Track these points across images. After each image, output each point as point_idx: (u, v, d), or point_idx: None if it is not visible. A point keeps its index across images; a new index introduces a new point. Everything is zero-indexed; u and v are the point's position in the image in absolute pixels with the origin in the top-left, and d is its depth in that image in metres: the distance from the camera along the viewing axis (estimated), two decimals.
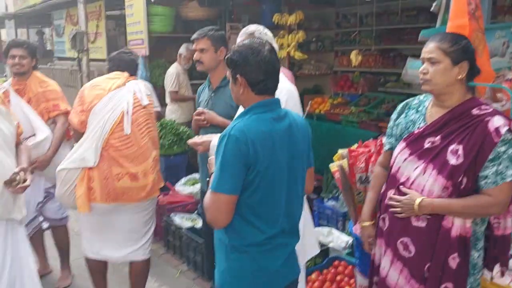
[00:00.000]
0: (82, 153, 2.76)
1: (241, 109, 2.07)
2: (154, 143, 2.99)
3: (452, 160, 1.83)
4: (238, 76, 1.79)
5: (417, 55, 2.03)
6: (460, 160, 1.82)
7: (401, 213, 1.92)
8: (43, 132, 3.22)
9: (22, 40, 3.49)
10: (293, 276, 1.95)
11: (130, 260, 3.03)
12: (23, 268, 2.41)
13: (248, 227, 1.78)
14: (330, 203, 4.03)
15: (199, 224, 3.88)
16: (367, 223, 2.17)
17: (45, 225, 3.61)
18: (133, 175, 2.79)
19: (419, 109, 2.03)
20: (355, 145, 2.56)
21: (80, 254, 3.98)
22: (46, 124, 3.28)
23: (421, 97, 2.08)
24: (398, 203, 1.93)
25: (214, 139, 2.35)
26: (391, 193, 2.01)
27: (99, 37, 6.90)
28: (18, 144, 2.55)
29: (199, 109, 2.88)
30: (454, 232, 1.85)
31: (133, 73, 3.04)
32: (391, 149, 2.09)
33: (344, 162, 2.47)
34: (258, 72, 1.78)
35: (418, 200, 1.86)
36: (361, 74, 6.54)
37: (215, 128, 2.70)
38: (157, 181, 2.99)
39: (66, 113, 3.30)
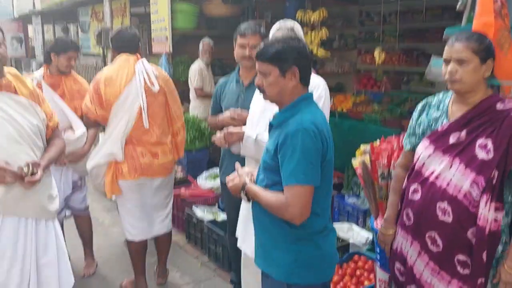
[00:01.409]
0: (110, 149, 3.08)
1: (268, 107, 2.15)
2: (178, 117, 3.28)
3: (481, 155, 1.85)
4: (293, 67, 1.82)
5: (441, 54, 2.03)
6: (491, 154, 1.83)
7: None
8: (80, 128, 3.36)
9: (74, 43, 3.56)
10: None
11: (158, 234, 3.35)
12: (42, 262, 2.40)
13: (312, 216, 1.83)
14: (351, 200, 4.04)
15: (220, 217, 3.94)
16: (391, 231, 2.17)
17: (67, 213, 3.72)
18: (154, 153, 3.13)
19: (440, 107, 2.05)
20: (377, 141, 2.57)
21: (103, 243, 4.11)
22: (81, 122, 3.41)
23: (440, 95, 2.10)
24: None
25: (246, 130, 2.39)
26: (413, 187, 2.03)
27: None
28: (50, 139, 2.49)
29: (231, 111, 2.82)
30: (487, 228, 1.85)
31: (135, 48, 3.15)
32: (413, 149, 2.11)
33: (366, 158, 2.49)
34: (309, 64, 1.87)
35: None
36: (384, 73, 6.52)
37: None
38: (175, 157, 3.32)
39: None
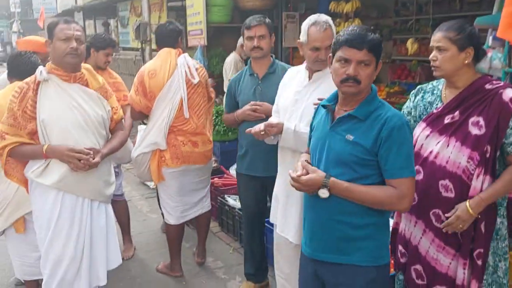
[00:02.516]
0: (153, 139, 3.26)
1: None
2: (211, 106, 3.50)
3: (475, 131, 1.98)
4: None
5: None
6: (483, 130, 1.96)
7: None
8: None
9: (113, 39, 3.74)
10: None
11: (198, 214, 3.57)
12: (95, 239, 2.62)
13: None
14: None
15: None
16: None
17: None
18: (194, 142, 3.30)
19: (434, 92, 2.20)
20: None
21: (142, 229, 4.30)
22: None
23: (434, 82, 2.25)
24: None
25: (285, 122, 2.41)
26: (416, 169, 2.08)
27: None
28: (114, 130, 2.75)
29: (252, 102, 2.88)
30: None
31: (175, 43, 3.31)
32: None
33: None
34: None
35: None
36: (419, 63, 6.43)
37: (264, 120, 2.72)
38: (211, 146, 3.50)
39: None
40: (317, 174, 1.83)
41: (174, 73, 3.21)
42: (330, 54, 1.90)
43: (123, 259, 3.74)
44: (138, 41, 7.35)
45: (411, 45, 4.77)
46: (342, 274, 1.88)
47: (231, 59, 5.75)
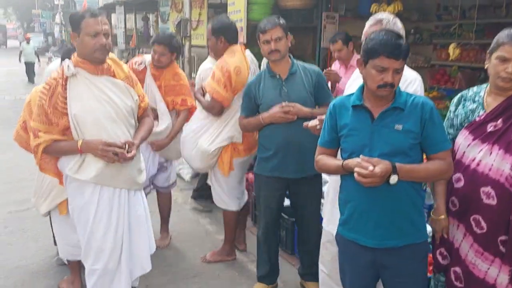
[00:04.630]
0: (231, 133, 3.40)
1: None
2: None
3: None
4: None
5: None
6: None
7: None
8: (165, 122, 3.67)
9: (164, 37, 3.69)
10: None
11: (246, 200, 3.84)
12: (133, 227, 2.69)
13: None
14: None
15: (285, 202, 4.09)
16: (442, 217, 2.25)
17: (151, 190, 4.05)
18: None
19: (475, 99, 2.17)
20: None
21: (176, 219, 4.42)
22: (170, 113, 3.71)
23: (475, 88, 2.22)
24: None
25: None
26: (456, 176, 2.15)
27: (200, 25, 7.30)
28: (141, 117, 2.76)
29: (283, 104, 2.87)
30: None
31: (236, 37, 3.44)
32: (451, 140, 2.21)
33: None
34: None
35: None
36: (459, 69, 6.33)
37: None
38: None
39: (191, 108, 3.75)
40: (384, 163, 1.89)
41: (249, 71, 3.36)
42: (360, 57, 2.02)
43: (158, 247, 3.90)
44: (178, 36, 7.48)
45: (453, 50, 4.71)
46: (403, 255, 2.04)
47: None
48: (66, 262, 3.37)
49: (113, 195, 2.60)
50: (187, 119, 3.73)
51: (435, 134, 1.98)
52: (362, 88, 2.08)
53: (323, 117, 2.52)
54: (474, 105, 2.15)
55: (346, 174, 2.04)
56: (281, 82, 2.96)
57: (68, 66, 2.47)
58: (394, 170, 1.89)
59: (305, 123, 2.61)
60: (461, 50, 5.36)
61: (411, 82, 2.39)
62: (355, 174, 1.89)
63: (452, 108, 2.29)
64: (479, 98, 2.16)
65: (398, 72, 1.94)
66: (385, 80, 1.91)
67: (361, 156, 1.94)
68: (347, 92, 2.58)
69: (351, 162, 1.96)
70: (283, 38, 2.91)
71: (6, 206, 4.81)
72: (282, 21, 2.95)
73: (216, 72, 3.31)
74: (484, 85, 2.17)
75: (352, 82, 2.69)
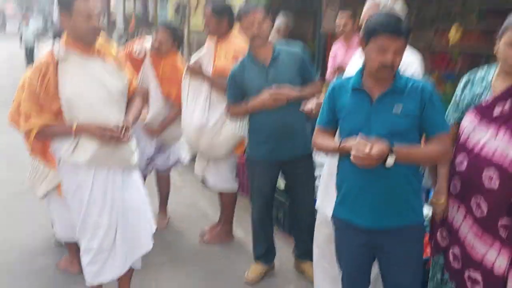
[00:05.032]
0: None
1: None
2: None
3: None
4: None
5: None
6: None
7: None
8: (154, 109, 3.65)
9: (170, 23, 3.70)
10: None
11: None
12: (127, 208, 2.66)
13: None
14: None
15: (281, 185, 4.10)
16: (443, 199, 2.25)
17: (151, 170, 4.05)
18: None
19: (483, 82, 2.12)
20: None
21: (175, 201, 4.44)
22: (162, 102, 3.68)
23: (483, 71, 2.17)
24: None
25: None
26: (459, 158, 2.13)
27: (200, 9, 7.26)
28: (131, 98, 2.71)
29: (272, 90, 2.84)
30: None
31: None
32: (457, 123, 2.20)
33: None
34: None
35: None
36: (460, 54, 6.28)
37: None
38: None
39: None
40: (381, 145, 1.87)
41: None
42: (362, 35, 1.99)
43: (156, 228, 3.93)
44: (176, 21, 7.43)
45: (453, 34, 4.67)
46: (398, 236, 2.05)
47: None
48: (63, 244, 3.39)
49: (107, 177, 2.57)
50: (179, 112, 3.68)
51: (435, 116, 1.99)
52: (361, 71, 2.07)
53: (320, 100, 2.54)
54: (481, 88, 2.12)
55: (342, 155, 2.04)
56: (265, 67, 2.93)
57: (58, 49, 2.42)
58: (391, 152, 1.88)
59: (301, 107, 2.65)
60: (462, 35, 5.33)
61: (410, 63, 2.38)
62: (351, 156, 1.88)
63: (458, 91, 2.25)
64: (486, 82, 2.12)
65: (399, 53, 1.92)
66: (385, 61, 1.90)
67: (359, 135, 1.93)
68: (348, 73, 2.58)
69: (348, 143, 1.95)
70: (266, 21, 2.88)
71: (6, 187, 4.84)
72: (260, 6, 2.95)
73: (239, 55, 3.19)
74: (492, 69, 2.13)
75: (353, 64, 2.67)
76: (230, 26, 3.39)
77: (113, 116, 2.53)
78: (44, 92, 2.41)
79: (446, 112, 2.27)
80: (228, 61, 3.27)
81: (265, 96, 2.87)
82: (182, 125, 3.61)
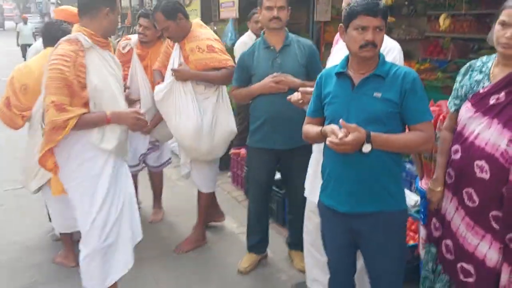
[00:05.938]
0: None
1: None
2: None
3: None
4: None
5: None
6: None
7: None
8: (146, 105, 3.65)
9: (148, 12, 3.66)
10: None
11: None
12: (126, 199, 2.70)
13: None
14: (405, 165, 4.08)
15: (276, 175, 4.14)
16: (439, 188, 2.26)
17: (142, 167, 4.08)
18: None
19: (483, 70, 2.10)
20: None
21: (170, 195, 4.48)
22: (152, 99, 3.57)
23: (484, 58, 2.14)
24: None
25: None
26: (454, 148, 2.12)
27: (194, 0, 7.26)
28: None
29: (275, 74, 2.88)
30: None
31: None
32: (457, 111, 2.19)
33: None
34: None
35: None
36: (452, 40, 6.30)
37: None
38: None
39: None
40: (359, 131, 1.89)
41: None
42: (341, 24, 2.04)
43: (151, 222, 4.00)
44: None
45: (443, 21, 4.68)
46: (377, 222, 2.05)
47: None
48: (59, 238, 3.45)
49: (121, 165, 2.66)
50: None
51: (416, 105, 1.97)
52: (347, 58, 2.10)
53: (308, 89, 2.54)
54: (480, 76, 2.09)
55: (325, 141, 2.06)
56: (275, 53, 2.98)
57: (85, 39, 2.46)
58: (368, 139, 1.89)
59: (288, 97, 2.62)
60: (453, 21, 5.34)
61: (391, 49, 2.39)
62: (327, 141, 1.92)
63: (458, 78, 2.22)
64: (486, 69, 2.08)
65: (379, 30, 1.94)
66: (366, 39, 1.93)
67: (341, 120, 1.93)
68: (330, 63, 2.59)
69: (327, 128, 1.97)
70: (285, 8, 2.96)
71: (2, 184, 4.90)
72: None
73: (213, 44, 3.22)
74: (493, 55, 2.08)
75: (334, 54, 2.69)
76: (187, 18, 3.24)
77: (124, 106, 2.67)
78: (77, 80, 2.41)
79: (450, 99, 2.26)
80: (204, 54, 3.19)
81: (267, 80, 2.92)
82: (177, 135, 3.35)
